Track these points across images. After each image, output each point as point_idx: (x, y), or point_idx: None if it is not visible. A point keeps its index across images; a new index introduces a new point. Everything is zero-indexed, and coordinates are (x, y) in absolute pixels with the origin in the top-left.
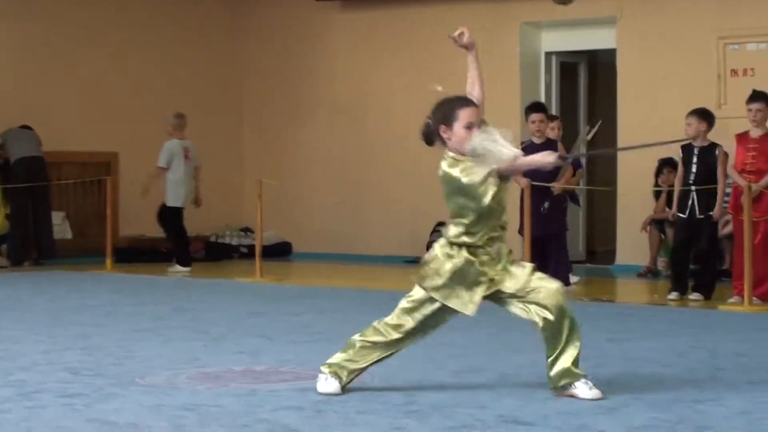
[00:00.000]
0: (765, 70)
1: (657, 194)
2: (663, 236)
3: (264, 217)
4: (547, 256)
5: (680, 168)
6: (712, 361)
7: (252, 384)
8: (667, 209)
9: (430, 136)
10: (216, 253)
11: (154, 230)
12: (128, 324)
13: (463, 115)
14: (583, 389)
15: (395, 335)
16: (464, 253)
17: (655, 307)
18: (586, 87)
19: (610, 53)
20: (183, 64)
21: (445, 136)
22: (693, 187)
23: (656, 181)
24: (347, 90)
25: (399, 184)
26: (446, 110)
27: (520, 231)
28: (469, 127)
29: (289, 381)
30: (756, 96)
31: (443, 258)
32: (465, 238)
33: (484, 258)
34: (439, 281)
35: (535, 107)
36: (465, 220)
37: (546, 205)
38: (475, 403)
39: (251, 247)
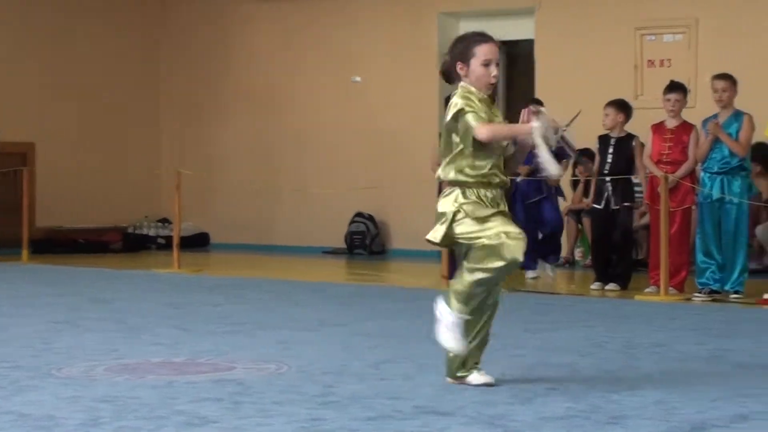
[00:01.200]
0: (681, 60)
1: (574, 185)
2: (580, 226)
3: (182, 208)
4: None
5: (597, 158)
6: (628, 351)
7: (169, 375)
8: (584, 199)
9: (449, 74)
10: (134, 245)
11: (71, 221)
12: (45, 315)
13: (481, 51)
14: (475, 376)
15: None
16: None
17: (572, 297)
18: (504, 77)
19: (529, 44)
20: (100, 55)
21: (462, 73)
22: (608, 178)
23: (573, 172)
24: (266, 81)
25: (317, 174)
26: (463, 47)
27: None
28: (486, 64)
29: (207, 372)
30: (673, 86)
31: None
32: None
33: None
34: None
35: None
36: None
37: None
38: (393, 393)
39: (169, 238)
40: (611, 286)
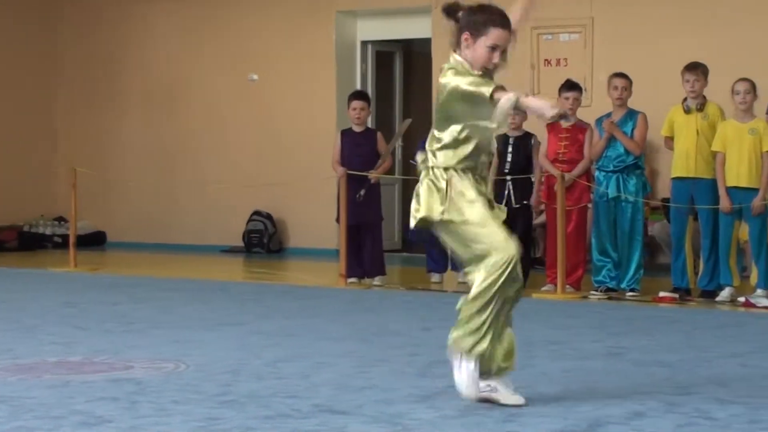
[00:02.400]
0: (577, 60)
1: None
2: None
3: (78, 207)
4: (363, 245)
5: (495, 158)
6: (526, 348)
7: (66, 375)
8: None
9: (454, 13)
10: (29, 243)
11: None
12: None
13: (493, 34)
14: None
15: None
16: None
17: None
18: (401, 76)
19: (426, 42)
20: None
21: (465, 43)
22: (508, 177)
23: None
24: (162, 78)
25: (214, 173)
26: (479, 19)
27: (337, 219)
28: (493, 48)
29: (104, 372)
30: (570, 85)
31: None
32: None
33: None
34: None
35: (357, 95)
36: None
37: (361, 192)
38: (291, 392)
39: (65, 237)
40: None
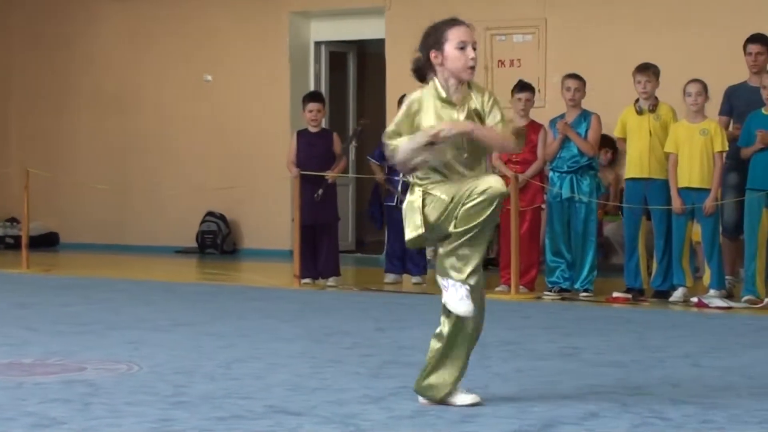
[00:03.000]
0: (530, 61)
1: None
2: None
3: (31, 208)
4: (318, 245)
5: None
6: (480, 349)
7: (18, 377)
8: None
9: (421, 71)
10: None
11: None
12: None
13: (454, 34)
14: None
15: None
16: None
17: (423, 296)
18: (355, 76)
19: (379, 43)
20: None
21: (436, 61)
22: None
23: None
24: (115, 81)
25: (168, 174)
26: (435, 35)
27: (294, 219)
28: (462, 47)
29: (57, 373)
30: (522, 86)
31: None
32: None
33: None
34: None
35: (313, 97)
36: None
37: (319, 192)
38: (244, 393)
39: (17, 238)
40: None
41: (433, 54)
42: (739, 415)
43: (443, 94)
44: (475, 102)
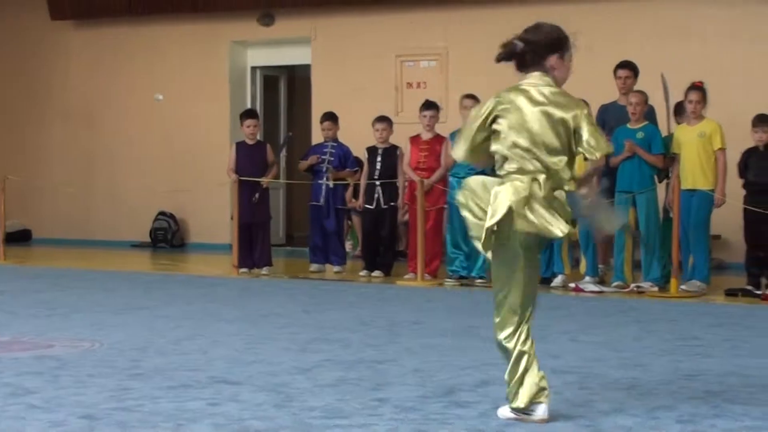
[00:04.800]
0: (434, 83)
1: (345, 187)
2: (350, 223)
3: (7, 208)
4: (254, 240)
5: (366, 166)
6: (391, 328)
7: None
8: (353, 200)
9: (522, 58)
10: None
11: None
12: None
13: (572, 49)
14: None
15: None
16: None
17: (343, 283)
18: (285, 97)
19: (306, 68)
20: None
21: (554, 65)
22: (377, 182)
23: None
24: (82, 97)
25: (126, 179)
26: (563, 40)
27: (233, 217)
28: (570, 61)
29: (30, 350)
30: (428, 105)
31: None
32: None
33: None
34: None
35: (250, 114)
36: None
37: (257, 195)
38: (191, 366)
39: None
40: (377, 273)
41: (555, 57)
42: (610, 383)
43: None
44: None
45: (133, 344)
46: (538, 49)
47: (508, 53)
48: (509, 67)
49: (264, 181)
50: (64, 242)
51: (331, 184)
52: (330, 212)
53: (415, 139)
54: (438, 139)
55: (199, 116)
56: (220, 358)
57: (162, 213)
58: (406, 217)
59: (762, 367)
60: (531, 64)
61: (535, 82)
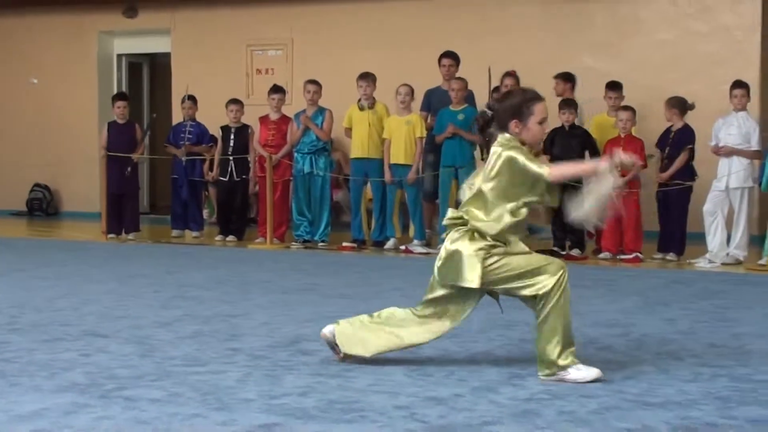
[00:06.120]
0: (281, 70)
1: (203, 161)
2: (207, 193)
3: None
4: (124, 209)
5: (220, 143)
6: (244, 286)
7: None
8: (209, 173)
9: (487, 126)
10: None
11: None
12: None
13: (538, 110)
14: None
15: None
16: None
17: (201, 246)
18: (148, 82)
19: (167, 56)
20: None
21: (516, 130)
22: (231, 157)
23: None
24: None
25: (4, 154)
26: (520, 104)
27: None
28: (542, 122)
29: None
30: (276, 89)
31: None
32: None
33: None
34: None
35: (121, 96)
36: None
37: (129, 169)
38: (64, 321)
39: None
40: (230, 238)
41: (514, 123)
42: None
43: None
44: None
45: (12, 303)
46: (501, 116)
47: (482, 121)
48: (346, 56)
49: (135, 156)
50: None
51: (183, 159)
52: (188, 184)
53: (264, 119)
54: (284, 119)
55: (70, 98)
56: (90, 314)
57: (37, 185)
58: (257, 188)
59: None
60: (500, 128)
61: (501, 142)
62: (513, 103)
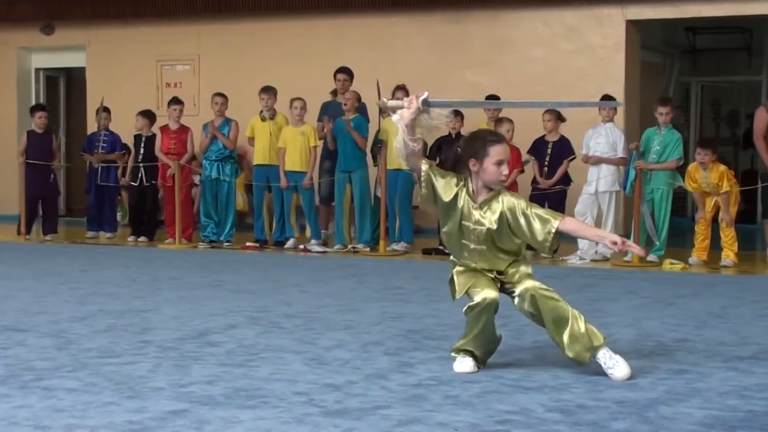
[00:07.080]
0: (189, 84)
1: (116, 168)
2: (120, 197)
3: None
4: (44, 211)
5: (132, 150)
6: (154, 283)
7: None
8: (122, 178)
9: (458, 164)
10: None
11: None
12: None
13: (495, 152)
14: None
15: None
16: None
17: (115, 247)
18: (64, 94)
19: (82, 70)
20: None
21: (474, 169)
22: (141, 164)
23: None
24: None
25: None
26: (478, 145)
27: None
28: (499, 163)
29: None
30: (176, 101)
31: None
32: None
33: None
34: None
35: (40, 107)
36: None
37: (53, 176)
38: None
39: None
40: (142, 238)
41: (472, 162)
42: (332, 324)
43: (471, 193)
44: (506, 203)
45: None
46: (463, 156)
47: (452, 159)
48: (249, 71)
49: (55, 165)
50: None
51: (96, 164)
52: (103, 188)
53: (165, 129)
54: (183, 129)
55: None
56: (10, 310)
57: None
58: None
59: (451, 311)
60: (463, 168)
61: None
62: (473, 143)
